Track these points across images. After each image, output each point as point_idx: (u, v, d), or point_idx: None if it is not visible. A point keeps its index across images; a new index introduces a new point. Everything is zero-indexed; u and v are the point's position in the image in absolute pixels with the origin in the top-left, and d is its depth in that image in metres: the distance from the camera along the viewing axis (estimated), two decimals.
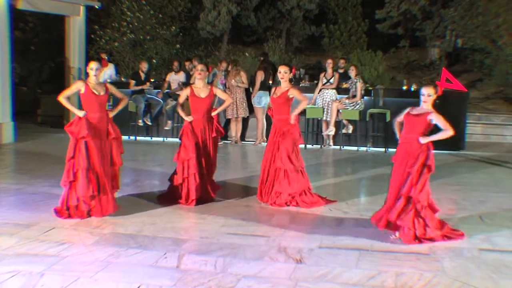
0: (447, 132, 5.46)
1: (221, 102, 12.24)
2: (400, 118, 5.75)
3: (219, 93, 7.29)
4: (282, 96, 6.86)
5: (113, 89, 6.47)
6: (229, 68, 12.31)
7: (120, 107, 6.50)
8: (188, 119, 6.93)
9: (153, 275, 4.44)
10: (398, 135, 5.75)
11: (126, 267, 4.62)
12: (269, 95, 12.12)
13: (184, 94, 7.11)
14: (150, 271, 4.55)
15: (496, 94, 16.21)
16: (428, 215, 5.41)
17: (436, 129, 5.51)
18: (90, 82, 6.19)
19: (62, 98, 6.19)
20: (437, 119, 5.46)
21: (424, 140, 5.44)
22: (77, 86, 6.19)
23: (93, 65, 6.19)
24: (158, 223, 5.95)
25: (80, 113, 6.10)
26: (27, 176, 8.29)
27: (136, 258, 4.85)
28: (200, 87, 7.04)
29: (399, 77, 17.25)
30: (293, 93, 6.86)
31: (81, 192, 5.97)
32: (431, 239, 5.39)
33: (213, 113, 7.03)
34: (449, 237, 5.49)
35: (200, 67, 7.06)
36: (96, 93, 6.15)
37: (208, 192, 6.96)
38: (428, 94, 5.47)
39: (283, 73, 6.87)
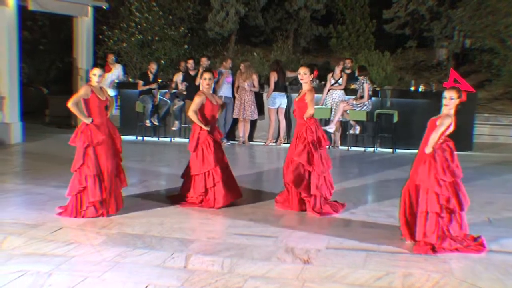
0: (433, 136, 5.12)
1: (227, 102, 12.33)
2: None
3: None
4: (301, 99, 6.57)
5: (106, 93, 6.51)
6: (241, 68, 12.29)
7: (112, 108, 6.72)
8: (206, 128, 6.70)
9: (161, 275, 4.45)
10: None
11: (133, 267, 4.63)
12: (286, 96, 12.18)
13: (199, 101, 6.74)
14: (158, 271, 4.56)
15: (504, 94, 16.13)
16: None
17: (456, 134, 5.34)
18: (93, 87, 6.23)
19: (71, 105, 6.12)
20: (439, 123, 5.14)
21: (428, 149, 5.15)
22: (86, 92, 6.16)
23: (96, 71, 6.23)
24: (165, 223, 5.96)
25: (88, 120, 6.15)
26: (34, 176, 8.32)
27: (144, 258, 4.86)
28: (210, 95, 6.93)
29: (407, 77, 17.18)
30: (307, 97, 6.50)
31: (91, 197, 6.04)
32: None
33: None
34: None
35: (208, 76, 6.83)
36: (101, 97, 6.23)
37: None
38: (450, 97, 5.15)
39: (302, 74, 6.57)
